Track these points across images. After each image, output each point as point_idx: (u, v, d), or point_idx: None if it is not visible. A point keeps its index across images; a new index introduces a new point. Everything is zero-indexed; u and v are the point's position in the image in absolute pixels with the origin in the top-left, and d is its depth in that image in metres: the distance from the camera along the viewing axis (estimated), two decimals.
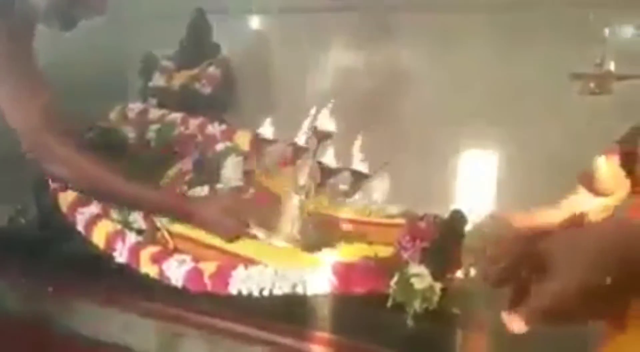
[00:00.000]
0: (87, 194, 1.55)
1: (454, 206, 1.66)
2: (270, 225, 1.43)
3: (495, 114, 1.93)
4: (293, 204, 1.46)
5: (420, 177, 1.96)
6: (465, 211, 1.51)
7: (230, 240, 1.44)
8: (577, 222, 0.70)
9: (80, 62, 2.48)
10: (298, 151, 1.84)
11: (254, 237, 1.46)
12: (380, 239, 1.53)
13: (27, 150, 1.38)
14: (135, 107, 2.15)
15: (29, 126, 1.35)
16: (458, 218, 1.52)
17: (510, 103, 1.94)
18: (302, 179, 1.49)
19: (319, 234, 1.52)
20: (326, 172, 1.77)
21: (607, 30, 1.71)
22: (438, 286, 1.30)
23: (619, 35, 1.71)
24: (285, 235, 1.46)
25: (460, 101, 2.01)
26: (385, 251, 1.43)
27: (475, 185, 2.02)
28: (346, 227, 1.66)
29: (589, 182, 0.75)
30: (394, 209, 1.69)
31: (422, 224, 1.48)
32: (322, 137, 1.53)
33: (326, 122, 1.61)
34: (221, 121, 2.01)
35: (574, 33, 1.80)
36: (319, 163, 1.71)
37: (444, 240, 1.41)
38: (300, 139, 1.93)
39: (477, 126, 1.96)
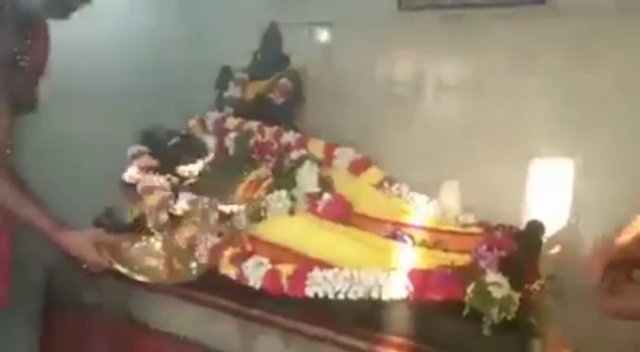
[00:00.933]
0: None
1: (527, 216, 1.66)
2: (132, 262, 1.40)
3: (572, 122, 1.90)
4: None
5: (494, 186, 1.95)
6: (542, 220, 1.50)
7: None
8: None
9: (160, 75, 2.64)
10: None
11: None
12: (455, 247, 1.54)
13: None
14: (213, 116, 2.25)
15: None
16: (536, 228, 1.52)
17: (587, 111, 1.90)
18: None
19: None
20: None
21: None
22: (517, 295, 1.30)
23: None
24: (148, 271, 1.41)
25: (537, 109, 1.99)
26: (461, 259, 1.44)
27: (549, 194, 1.99)
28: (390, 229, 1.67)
29: None
30: (468, 218, 1.69)
31: (499, 234, 1.48)
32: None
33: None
34: (295, 130, 2.08)
35: None
36: None
37: (522, 250, 1.40)
38: None
39: (553, 135, 1.93)
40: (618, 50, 1.89)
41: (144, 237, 1.32)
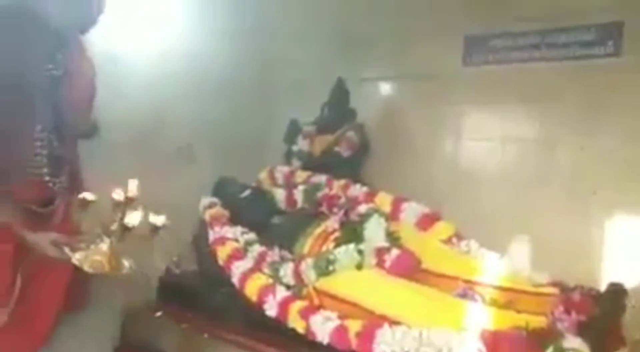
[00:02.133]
0: None
1: (606, 277, 1.59)
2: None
3: None
4: None
5: (569, 243, 1.88)
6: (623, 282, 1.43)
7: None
8: None
9: (233, 127, 2.77)
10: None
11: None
12: (529, 308, 1.48)
13: None
14: (282, 169, 2.33)
15: None
16: (618, 291, 1.45)
17: None
18: None
19: None
20: None
21: None
22: None
23: None
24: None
25: (612, 163, 1.93)
26: (536, 321, 1.38)
27: (628, 253, 1.89)
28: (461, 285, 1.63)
29: None
30: (542, 278, 1.63)
31: (577, 296, 1.42)
32: None
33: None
34: (362, 183, 2.11)
35: None
36: None
37: (603, 313, 1.34)
38: None
39: (629, 189, 1.86)
40: None
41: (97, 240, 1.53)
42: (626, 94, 1.99)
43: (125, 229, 1.48)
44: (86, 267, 1.49)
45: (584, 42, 2.16)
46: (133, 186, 1.54)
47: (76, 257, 1.48)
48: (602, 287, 1.51)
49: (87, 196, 1.50)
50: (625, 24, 2.04)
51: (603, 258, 1.92)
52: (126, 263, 1.52)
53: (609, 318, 1.34)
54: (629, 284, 1.52)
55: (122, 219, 1.49)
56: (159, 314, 1.98)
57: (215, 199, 2.16)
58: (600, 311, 1.34)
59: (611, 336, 1.32)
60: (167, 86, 2.45)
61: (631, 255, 1.87)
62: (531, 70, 2.23)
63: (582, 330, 1.31)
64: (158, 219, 1.52)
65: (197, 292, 1.98)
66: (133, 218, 1.50)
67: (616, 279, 1.51)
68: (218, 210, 2.08)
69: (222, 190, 2.21)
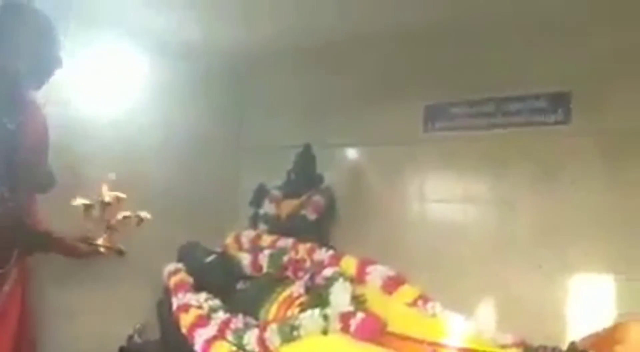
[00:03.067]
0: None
1: (569, 335, 1.60)
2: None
3: (608, 236, 1.89)
4: None
5: (530, 303, 1.90)
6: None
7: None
8: None
9: (196, 192, 2.77)
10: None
11: None
12: None
13: None
14: (248, 233, 2.33)
15: None
16: (579, 350, 1.45)
17: (621, 225, 1.90)
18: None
19: None
20: None
21: None
22: None
23: None
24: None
25: (570, 223, 2.00)
26: None
27: (589, 311, 1.92)
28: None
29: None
30: (506, 339, 1.63)
31: None
32: None
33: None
34: (328, 247, 2.11)
35: None
36: None
37: None
38: None
39: (590, 249, 1.92)
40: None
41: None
42: (576, 157, 2.10)
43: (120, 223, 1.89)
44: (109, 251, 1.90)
45: (536, 109, 2.29)
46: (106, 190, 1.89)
47: (101, 244, 1.88)
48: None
49: (84, 201, 1.85)
50: (573, 94, 2.18)
51: (566, 317, 1.95)
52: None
53: None
54: None
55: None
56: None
57: (179, 265, 2.13)
58: None
59: None
60: (132, 148, 2.47)
61: (594, 312, 1.90)
62: (488, 136, 2.34)
63: None
64: (144, 213, 1.95)
65: None
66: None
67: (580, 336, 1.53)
68: (182, 276, 2.04)
69: (187, 255, 2.19)
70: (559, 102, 2.23)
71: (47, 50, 1.68)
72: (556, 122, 2.22)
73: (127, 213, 1.92)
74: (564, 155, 2.15)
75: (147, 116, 2.59)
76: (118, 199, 1.91)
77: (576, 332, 1.65)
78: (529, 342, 1.61)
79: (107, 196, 1.89)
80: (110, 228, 1.91)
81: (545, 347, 1.47)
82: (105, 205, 1.89)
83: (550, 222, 2.10)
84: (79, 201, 1.85)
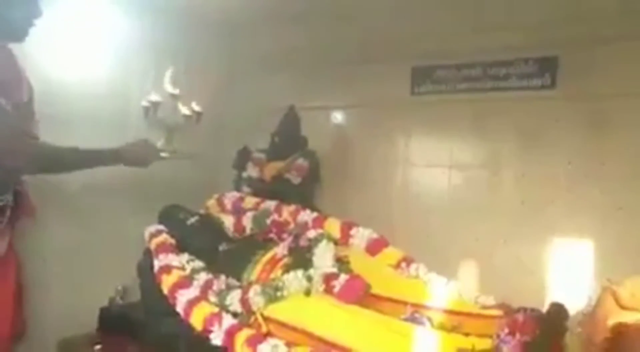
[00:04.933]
0: (48, 172, 1.85)
1: (550, 297, 1.62)
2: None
3: (587, 202, 1.92)
4: None
5: (513, 266, 1.93)
6: (564, 302, 1.47)
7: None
8: None
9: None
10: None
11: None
12: (476, 330, 1.49)
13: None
14: (231, 195, 2.30)
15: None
16: (558, 311, 1.48)
17: (603, 191, 1.92)
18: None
19: None
20: None
21: None
22: None
23: None
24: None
25: (552, 189, 2.01)
26: (482, 344, 1.39)
27: (570, 275, 1.95)
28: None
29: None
30: (487, 300, 1.65)
31: (520, 317, 1.44)
32: None
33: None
34: (312, 209, 2.10)
35: None
36: None
37: (545, 334, 1.36)
38: None
39: (570, 214, 1.94)
40: (627, 132, 1.94)
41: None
42: (561, 122, 2.10)
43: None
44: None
45: (523, 74, 2.28)
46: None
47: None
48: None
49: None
50: (560, 58, 2.17)
51: (548, 280, 1.98)
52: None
53: (551, 338, 1.36)
54: (573, 304, 1.57)
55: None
56: (98, 347, 1.88)
57: (160, 227, 2.10)
58: (542, 331, 1.36)
59: None
60: (109, 108, 2.40)
61: (575, 276, 1.93)
62: (474, 100, 2.32)
63: (526, 350, 1.32)
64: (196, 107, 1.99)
65: (140, 323, 1.90)
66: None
67: (560, 299, 1.56)
68: (164, 237, 2.01)
69: (169, 217, 2.16)
70: (546, 67, 2.22)
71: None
72: (542, 87, 2.21)
73: (185, 110, 1.84)
74: (549, 120, 2.15)
75: (125, 76, 2.51)
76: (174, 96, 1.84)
77: (557, 295, 1.68)
78: (509, 305, 1.63)
79: (170, 87, 1.82)
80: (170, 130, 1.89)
81: (525, 309, 1.49)
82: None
83: (533, 187, 2.11)
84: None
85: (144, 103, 1.99)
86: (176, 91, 2.01)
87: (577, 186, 2.02)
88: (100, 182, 2.23)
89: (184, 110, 2.02)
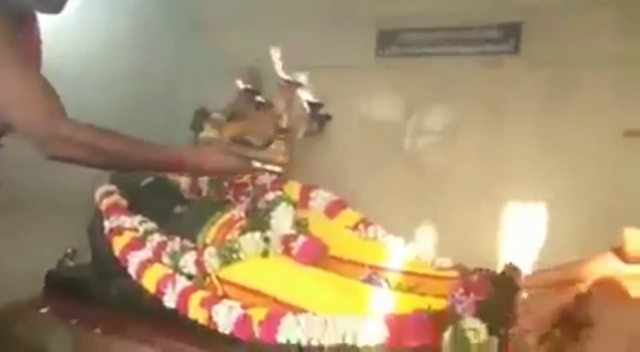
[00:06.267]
0: (103, 168, 1.54)
1: (505, 259, 1.65)
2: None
3: (543, 165, 1.94)
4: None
5: (470, 229, 1.95)
6: (518, 263, 1.49)
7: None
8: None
9: (132, 111, 2.61)
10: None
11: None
12: (432, 291, 1.50)
13: (45, 143, 1.30)
14: None
15: (48, 116, 1.29)
16: (511, 271, 1.50)
17: (557, 155, 1.95)
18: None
19: None
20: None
21: None
22: (495, 341, 1.26)
23: None
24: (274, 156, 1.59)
25: (509, 154, 2.03)
26: (438, 304, 1.40)
27: (523, 237, 1.99)
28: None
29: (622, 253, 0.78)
30: (444, 261, 1.67)
31: (475, 278, 1.45)
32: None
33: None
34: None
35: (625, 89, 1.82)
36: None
37: (498, 293, 1.38)
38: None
39: (525, 179, 1.96)
40: (586, 98, 1.95)
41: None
42: (524, 89, 2.10)
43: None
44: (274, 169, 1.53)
45: (488, 39, 2.26)
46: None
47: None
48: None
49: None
50: (524, 24, 2.15)
51: (503, 244, 2.01)
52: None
53: (503, 297, 1.38)
54: (527, 265, 1.60)
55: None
56: (44, 310, 1.81)
57: (112, 187, 2.01)
58: (497, 291, 1.38)
59: (506, 315, 1.36)
60: (61, 69, 2.26)
61: (531, 240, 1.97)
62: (439, 65, 2.30)
63: (480, 310, 1.33)
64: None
65: (90, 285, 1.84)
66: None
67: (516, 261, 1.58)
68: (115, 198, 1.93)
69: (121, 177, 2.07)
70: (510, 33, 2.20)
71: None
72: (506, 53, 2.20)
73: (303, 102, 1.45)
74: (512, 86, 2.15)
75: (78, 35, 2.37)
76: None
77: (511, 258, 1.70)
78: (466, 266, 1.65)
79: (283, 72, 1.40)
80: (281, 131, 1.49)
81: (480, 270, 1.51)
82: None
83: (494, 153, 2.12)
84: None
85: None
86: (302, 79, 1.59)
87: (538, 152, 2.04)
88: None
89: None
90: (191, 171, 1.52)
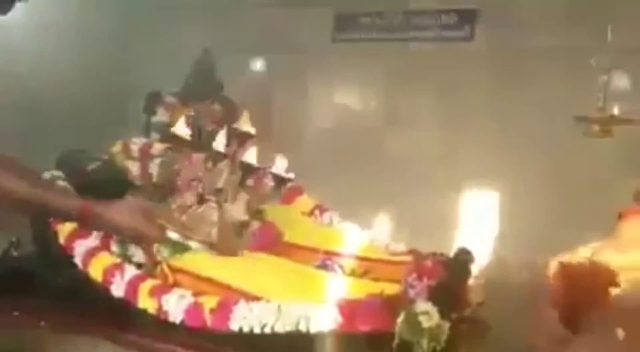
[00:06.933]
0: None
1: (458, 244, 1.67)
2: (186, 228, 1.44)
3: (499, 151, 1.97)
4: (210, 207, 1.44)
5: (423, 214, 1.96)
6: (471, 248, 1.51)
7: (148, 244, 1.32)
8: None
9: (83, 97, 2.51)
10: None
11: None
12: (385, 276, 1.50)
13: None
14: (138, 141, 2.14)
15: None
16: (464, 256, 1.52)
17: (513, 141, 1.98)
18: (220, 182, 1.48)
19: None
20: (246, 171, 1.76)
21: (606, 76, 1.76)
22: (446, 325, 1.27)
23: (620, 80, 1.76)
24: (202, 237, 1.46)
25: (466, 140, 2.05)
26: (391, 289, 1.40)
27: (476, 223, 2.02)
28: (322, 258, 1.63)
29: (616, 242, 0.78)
30: (398, 246, 1.67)
31: (429, 262, 1.46)
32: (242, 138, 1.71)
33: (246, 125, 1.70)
34: (225, 157, 2.00)
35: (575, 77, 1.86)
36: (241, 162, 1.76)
37: (451, 278, 1.39)
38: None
39: (481, 164, 1.99)
40: (540, 84, 1.99)
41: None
42: (478, 75, 2.12)
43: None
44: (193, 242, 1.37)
45: (444, 25, 2.27)
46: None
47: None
48: None
49: None
50: (481, 11, 2.17)
51: (457, 229, 2.04)
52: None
53: (456, 282, 1.39)
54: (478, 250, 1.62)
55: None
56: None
57: (58, 173, 1.91)
58: (449, 275, 1.39)
59: (458, 299, 1.38)
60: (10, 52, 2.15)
61: (485, 224, 2.00)
62: (395, 49, 2.30)
63: (432, 294, 1.34)
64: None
65: (35, 275, 1.75)
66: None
67: (469, 245, 1.60)
68: (61, 185, 1.84)
69: (67, 162, 1.97)
70: (466, 19, 2.22)
71: None
72: (462, 39, 2.21)
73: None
74: (467, 72, 2.17)
75: (29, 18, 2.24)
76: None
77: (463, 242, 1.72)
78: (419, 251, 1.66)
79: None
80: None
81: (434, 254, 1.52)
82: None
83: (448, 137, 2.14)
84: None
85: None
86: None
87: (491, 137, 2.07)
88: None
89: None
90: (95, 225, 1.33)
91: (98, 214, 1.21)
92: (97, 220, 1.23)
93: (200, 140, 2.17)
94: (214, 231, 1.51)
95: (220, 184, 1.69)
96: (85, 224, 1.33)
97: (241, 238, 1.57)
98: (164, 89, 2.48)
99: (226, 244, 1.48)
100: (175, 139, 2.14)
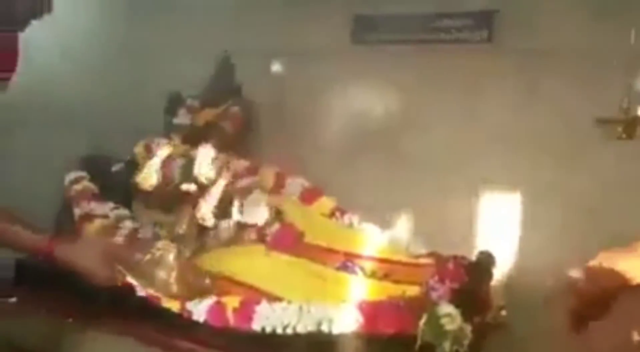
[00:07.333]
0: None
1: (479, 246, 1.67)
2: (145, 273, 1.39)
3: (519, 153, 1.96)
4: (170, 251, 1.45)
5: (446, 216, 1.95)
6: (492, 251, 1.51)
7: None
8: None
9: (105, 100, 2.54)
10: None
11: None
12: (406, 278, 1.51)
13: None
14: (160, 142, 2.17)
15: None
16: (486, 259, 1.52)
17: (534, 144, 1.96)
18: (181, 228, 1.50)
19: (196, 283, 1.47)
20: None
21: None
22: (469, 327, 1.27)
23: None
24: (159, 284, 1.42)
25: (486, 142, 2.03)
26: (412, 291, 1.41)
27: (499, 224, 2.01)
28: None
29: None
30: (419, 249, 1.68)
31: (450, 265, 1.46)
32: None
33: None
34: (244, 158, 2.03)
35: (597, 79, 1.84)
36: None
37: (473, 281, 1.39)
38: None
39: (502, 166, 1.98)
40: (561, 87, 1.97)
41: (156, 249, 1.34)
42: (496, 76, 2.11)
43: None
44: (150, 290, 1.29)
45: (463, 27, 2.25)
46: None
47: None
48: None
49: None
50: (500, 12, 2.16)
51: (479, 230, 2.03)
52: (207, 281, 1.33)
53: (478, 285, 1.39)
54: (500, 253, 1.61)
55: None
56: (12, 300, 1.76)
57: (82, 173, 1.96)
58: (471, 278, 1.39)
59: (480, 302, 1.38)
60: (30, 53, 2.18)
61: (505, 227, 1.99)
62: (415, 52, 2.29)
63: (454, 297, 1.34)
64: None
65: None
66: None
67: (490, 248, 1.60)
68: (85, 185, 1.89)
69: (91, 164, 2.01)
70: (485, 21, 2.21)
71: None
72: (480, 41, 2.20)
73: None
74: (485, 75, 2.15)
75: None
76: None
77: (484, 244, 1.72)
78: (440, 253, 1.66)
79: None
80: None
81: (455, 257, 1.52)
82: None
83: (467, 140, 2.12)
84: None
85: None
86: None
87: (511, 140, 2.05)
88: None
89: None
90: (61, 264, 1.34)
91: (63, 257, 1.28)
92: (63, 261, 1.28)
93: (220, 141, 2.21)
94: (173, 276, 1.44)
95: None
96: (52, 260, 1.32)
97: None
98: (184, 91, 2.52)
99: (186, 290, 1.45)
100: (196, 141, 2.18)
